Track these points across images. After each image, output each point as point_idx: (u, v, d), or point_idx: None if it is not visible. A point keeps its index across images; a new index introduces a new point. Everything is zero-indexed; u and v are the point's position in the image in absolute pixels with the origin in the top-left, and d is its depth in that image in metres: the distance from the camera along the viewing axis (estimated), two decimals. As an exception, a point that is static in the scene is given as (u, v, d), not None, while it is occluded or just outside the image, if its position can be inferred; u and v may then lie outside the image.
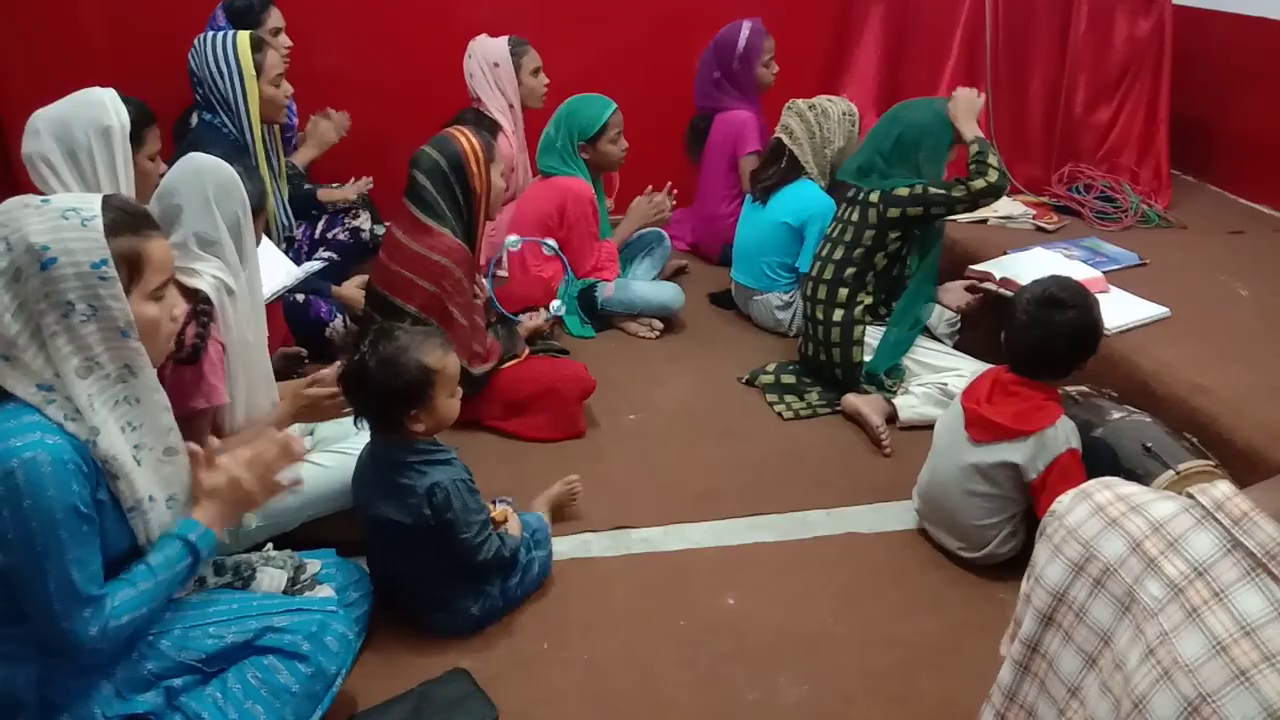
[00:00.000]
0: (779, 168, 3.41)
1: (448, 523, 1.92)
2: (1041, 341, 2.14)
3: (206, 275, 1.90)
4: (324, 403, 2.10)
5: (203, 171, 1.94)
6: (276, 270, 2.61)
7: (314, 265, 2.72)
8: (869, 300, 2.97)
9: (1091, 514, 1.09)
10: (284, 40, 3.43)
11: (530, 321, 3.02)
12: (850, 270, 2.93)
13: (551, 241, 3.26)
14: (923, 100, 3.07)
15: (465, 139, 2.63)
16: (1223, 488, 0.99)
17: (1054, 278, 2.22)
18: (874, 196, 2.87)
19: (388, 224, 2.74)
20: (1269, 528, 0.93)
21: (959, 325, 3.14)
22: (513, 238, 3.20)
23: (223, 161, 1.98)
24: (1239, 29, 3.80)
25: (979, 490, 2.22)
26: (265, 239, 2.64)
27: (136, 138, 2.32)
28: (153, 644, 1.53)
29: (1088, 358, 2.19)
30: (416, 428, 1.93)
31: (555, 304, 3.10)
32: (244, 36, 2.93)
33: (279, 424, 2.01)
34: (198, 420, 1.87)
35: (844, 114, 3.40)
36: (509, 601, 2.08)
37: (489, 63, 3.57)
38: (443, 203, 2.60)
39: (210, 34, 2.94)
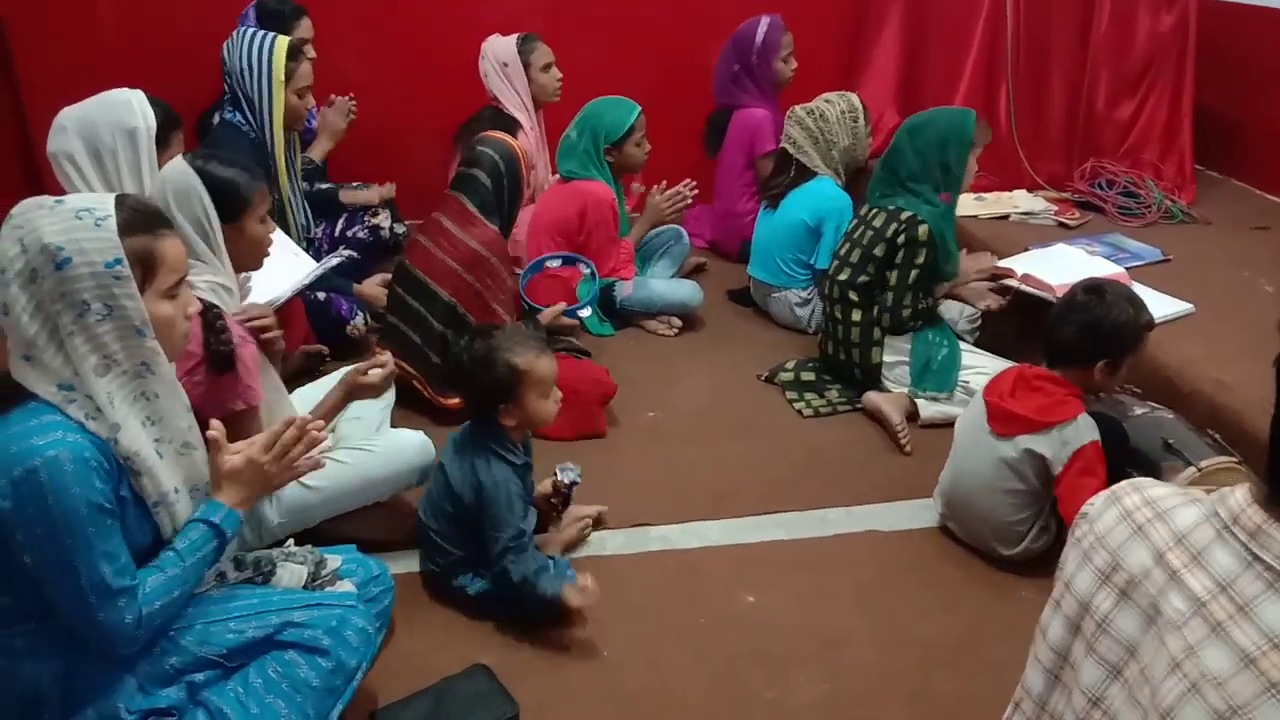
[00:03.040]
0: (788, 177, 3.41)
1: (486, 514, 2.02)
2: (1084, 327, 2.13)
3: (199, 283, 1.92)
4: (379, 383, 2.19)
5: (165, 180, 1.98)
6: (295, 267, 2.62)
7: (333, 260, 2.72)
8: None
9: (1120, 520, 1.08)
10: (309, 51, 3.44)
11: (550, 310, 3.06)
12: (865, 276, 2.91)
13: (589, 266, 3.28)
14: (926, 114, 2.98)
15: (516, 145, 2.85)
16: (1239, 497, 0.98)
17: (1108, 281, 2.26)
18: (904, 215, 2.83)
19: (433, 213, 2.81)
20: None
21: (980, 322, 3.12)
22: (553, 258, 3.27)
23: (189, 169, 1.97)
24: (1264, 22, 3.75)
25: (1009, 487, 2.20)
26: (283, 237, 2.66)
27: (162, 140, 2.34)
28: (174, 639, 1.54)
29: (1126, 353, 2.16)
30: (507, 422, 2.06)
31: (585, 312, 3.19)
32: (283, 41, 2.91)
33: (331, 411, 2.14)
34: (240, 422, 1.88)
35: (843, 113, 3.37)
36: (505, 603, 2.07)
37: (499, 62, 3.60)
38: (493, 200, 2.79)
39: (249, 30, 2.92)
